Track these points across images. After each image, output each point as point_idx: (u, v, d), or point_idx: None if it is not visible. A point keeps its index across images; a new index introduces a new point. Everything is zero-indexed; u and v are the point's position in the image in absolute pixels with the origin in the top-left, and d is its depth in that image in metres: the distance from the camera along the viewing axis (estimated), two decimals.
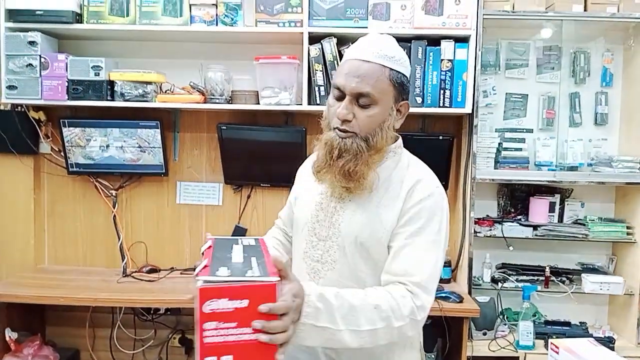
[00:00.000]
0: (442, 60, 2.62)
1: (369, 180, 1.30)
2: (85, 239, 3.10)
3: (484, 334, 2.72)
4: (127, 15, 2.72)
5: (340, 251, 1.34)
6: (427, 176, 1.36)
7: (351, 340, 1.15)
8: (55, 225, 3.10)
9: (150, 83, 2.73)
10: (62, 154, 2.97)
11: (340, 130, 1.29)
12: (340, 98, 1.30)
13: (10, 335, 2.68)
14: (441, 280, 2.86)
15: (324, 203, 1.39)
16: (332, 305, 1.12)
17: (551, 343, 1.19)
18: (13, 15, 2.70)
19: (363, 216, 1.32)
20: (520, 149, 2.87)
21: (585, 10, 2.73)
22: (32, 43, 2.70)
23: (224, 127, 2.87)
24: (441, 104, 2.64)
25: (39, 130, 2.96)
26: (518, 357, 2.64)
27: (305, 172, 1.54)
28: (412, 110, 2.63)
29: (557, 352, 1.18)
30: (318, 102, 2.64)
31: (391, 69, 1.28)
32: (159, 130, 2.88)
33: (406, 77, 1.33)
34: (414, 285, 1.23)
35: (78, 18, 2.73)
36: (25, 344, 2.73)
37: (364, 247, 1.32)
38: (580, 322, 2.87)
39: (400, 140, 1.40)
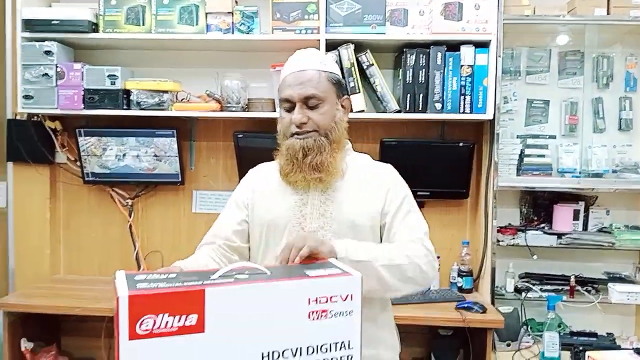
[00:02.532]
0: (462, 65, 2.58)
1: (338, 168, 1.45)
2: (101, 248, 3.08)
3: (508, 345, 2.64)
4: (143, 24, 2.71)
5: (335, 237, 1.40)
6: (387, 164, 1.58)
7: (386, 275, 1.28)
8: (71, 235, 3.09)
9: (166, 92, 2.71)
10: (78, 163, 2.96)
11: (299, 134, 1.43)
12: (290, 109, 1.45)
13: (26, 345, 2.66)
14: (463, 290, 2.81)
15: (304, 199, 1.47)
16: (358, 244, 1.31)
17: (588, 357, 1.13)
18: (29, 25, 2.70)
19: (354, 201, 1.46)
20: (543, 156, 2.80)
21: (608, 13, 2.66)
22: (48, 53, 2.70)
23: (241, 136, 2.83)
24: (461, 110, 2.59)
25: (54, 140, 2.95)
26: None
27: (259, 181, 1.57)
28: (431, 116, 2.63)
29: None
30: None
31: (325, 71, 1.46)
32: (175, 139, 2.85)
33: (339, 76, 1.52)
34: (418, 238, 1.41)
35: (94, 27, 2.72)
36: (40, 354, 2.71)
37: (359, 229, 1.44)
38: (607, 333, 2.78)
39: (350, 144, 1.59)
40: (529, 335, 2.73)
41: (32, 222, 3.01)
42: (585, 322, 2.84)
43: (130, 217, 3.03)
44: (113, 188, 3.03)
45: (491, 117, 2.60)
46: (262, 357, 1.00)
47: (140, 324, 0.91)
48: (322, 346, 1.05)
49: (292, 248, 1.20)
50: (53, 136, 2.94)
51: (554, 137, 2.89)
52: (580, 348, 2.58)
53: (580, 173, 2.77)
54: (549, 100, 2.90)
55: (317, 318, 1.05)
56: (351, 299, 1.08)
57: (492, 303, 2.68)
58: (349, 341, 1.08)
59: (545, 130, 2.90)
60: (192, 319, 0.94)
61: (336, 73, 1.50)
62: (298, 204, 1.47)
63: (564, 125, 2.89)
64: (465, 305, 2.55)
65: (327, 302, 1.06)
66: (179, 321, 0.94)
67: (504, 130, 2.80)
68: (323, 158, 1.42)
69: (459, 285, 2.84)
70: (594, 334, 2.74)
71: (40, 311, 2.63)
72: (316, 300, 1.05)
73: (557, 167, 2.84)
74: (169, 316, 0.93)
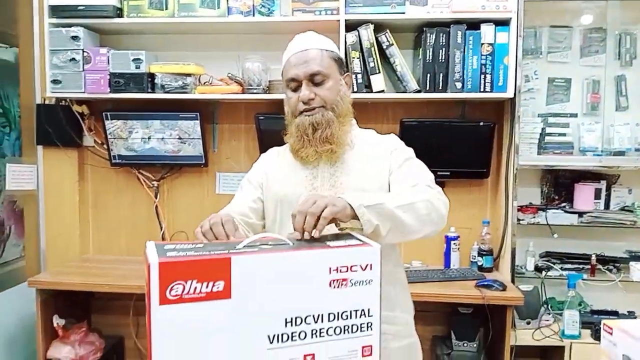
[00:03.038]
0: (482, 44, 2.57)
1: (347, 139, 1.52)
2: (128, 229, 3.17)
3: (528, 323, 2.67)
4: (166, 9, 2.76)
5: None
6: (391, 134, 1.63)
7: (402, 215, 1.26)
8: (99, 216, 3.18)
9: (189, 75, 2.76)
10: (104, 146, 3.04)
11: (307, 111, 1.48)
12: (296, 88, 1.49)
13: (58, 322, 2.76)
14: (483, 269, 2.83)
15: (314, 172, 1.53)
16: (367, 193, 1.33)
17: (604, 324, 1.15)
18: (56, 11, 2.77)
19: (363, 170, 1.51)
20: (565, 134, 2.79)
21: None
22: (74, 38, 2.76)
23: (262, 118, 2.88)
24: (482, 89, 2.59)
25: (82, 124, 3.03)
26: (563, 347, 2.58)
27: (272, 162, 1.64)
28: (452, 95, 2.63)
29: (611, 334, 1.14)
30: (355, 89, 2.62)
31: (326, 49, 1.52)
32: (198, 122, 2.91)
33: (339, 54, 1.57)
34: (423, 183, 1.43)
35: (119, 12, 2.78)
36: (72, 330, 2.81)
37: None
38: (628, 312, 2.79)
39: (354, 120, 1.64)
40: (549, 313, 2.75)
41: (62, 204, 3.10)
42: (606, 301, 2.85)
43: (156, 198, 3.11)
44: (139, 170, 3.10)
45: (512, 96, 2.60)
46: (286, 323, 1.05)
47: (170, 290, 0.96)
48: (342, 313, 1.10)
49: (306, 215, 1.16)
50: (80, 120, 3.02)
51: (575, 115, 2.87)
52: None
53: (602, 152, 2.77)
54: (570, 79, 2.89)
55: (338, 286, 1.09)
56: (370, 269, 1.12)
57: (513, 282, 2.69)
58: (368, 309, 1.12)
59: (566, 109, 2.89)
60: (219, 285, 0.99)
61: (336, 52, 1.55)
62: (309, 177, 1.52)
63: (586, 104, 2.88)
64: (485, 283, 2.58)
65: (347, 271, 1.10)
66: (206, 287, 0.98)
67: (525, 110, 2.80)
68: (333, 130, 1.48)
69: (479, 264, 2.85)
70: (615, 313, 2.75)
71: (70, 288, 2.71)
72: (337, 269, 1.09)
73: (578, 145, 2.84)
74: (197, 282, 0.97)
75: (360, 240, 1.16)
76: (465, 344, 2.72)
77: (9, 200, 2.94)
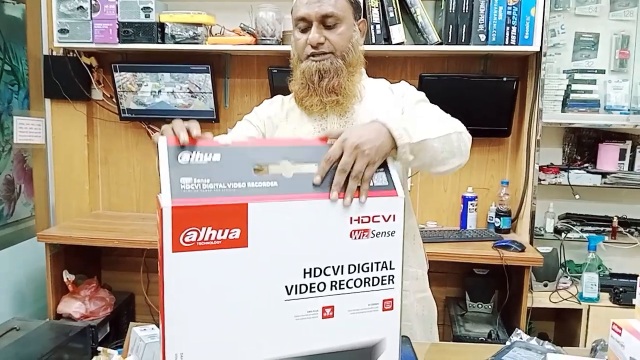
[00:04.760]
0: None
1: (355, 90, 1.41)
2: (138, 185, 3.12)
3: (545, 285, 2.61)
4: None
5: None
6: (401, 81, 1.51)
7: (439, 147, 1.18)
8: (109, 171, 3.13)
9: (200, 25, 2.66)
10: (114, 100, 2.97)
11: (315, 55, 1.36)
12: (305, 29, 1.37)
13: (68, 277, 2.74)
14: (500, 231, 2.76)
15: (323, 124, 1.43)
16: (409, 121, 1.16)
17: None
18: None
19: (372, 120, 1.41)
20: (591, 91, 2.68)
21: None
22: None
23: (275, 71, 2.78)
24: (506, 42, 2.47)
25: (91, 76, 2.95)
26: (581, 310, 2.53)
27: (275, 110, 1.51)
28: (475, 48, 2.52)
29: None
30: (373, 41, 2.51)
31: None
32: (209, 75, 2.82)
33: None
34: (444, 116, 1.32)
35: None
36: (82, 286, 2.79)
37: None
38: None
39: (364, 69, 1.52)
40: (566, 276, 2.69)
41: (71, 158, 3.05)
42: (627, 265, 2.78)
43: None
44: (149, 125, 3.03)
45: (538, 49, 2.48)
46: (304, 273, 0.99)
47: (184, 236, 0.90)
48: (363, 265, 1.04)
49: (348, 176, 1.02)
50: (89, 72, 2.94)
51: (602, 72, 2.75)
52: (621, 289, 2.53)
53: (629, 110, 2.66)
54: (598, 34, 2.75)
55: (359, 237, 1.03)
56: (394, 220, 1.06)
57: (531, 243, 2.63)
58: (390, 261, 1.06)
59: (593, 65, 2.77)
60: (236, 233, 0.93)
61: None
62: (317, 129, 1.43)
63: (614, 60, 2.75)
64: (503, 243, 2.52)
65: (369, 221, 1.04)
66: (222, 235, 0.92)
67: (549, 65, 2.68)
68: (340, 81, 1.37)
69: (497, 225, 2.78)
70: (635, 276, 2.68)
71: (79, 243, 2.68)
72: (358, 219, 1.03)
73: (604, 104, 2.72)
74: (212, 229, 0.92)
75: (388, 182, 1.09)
76: (479, 305, 2.68)
77: (19, 158, 2.89)
